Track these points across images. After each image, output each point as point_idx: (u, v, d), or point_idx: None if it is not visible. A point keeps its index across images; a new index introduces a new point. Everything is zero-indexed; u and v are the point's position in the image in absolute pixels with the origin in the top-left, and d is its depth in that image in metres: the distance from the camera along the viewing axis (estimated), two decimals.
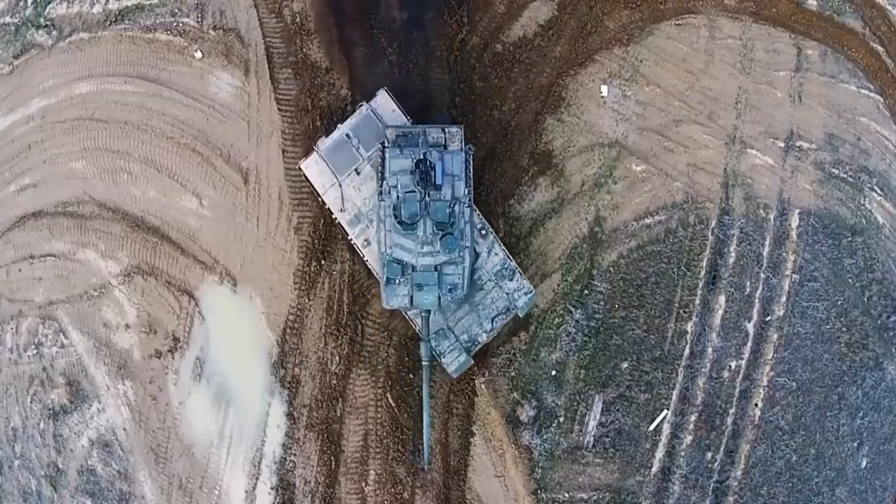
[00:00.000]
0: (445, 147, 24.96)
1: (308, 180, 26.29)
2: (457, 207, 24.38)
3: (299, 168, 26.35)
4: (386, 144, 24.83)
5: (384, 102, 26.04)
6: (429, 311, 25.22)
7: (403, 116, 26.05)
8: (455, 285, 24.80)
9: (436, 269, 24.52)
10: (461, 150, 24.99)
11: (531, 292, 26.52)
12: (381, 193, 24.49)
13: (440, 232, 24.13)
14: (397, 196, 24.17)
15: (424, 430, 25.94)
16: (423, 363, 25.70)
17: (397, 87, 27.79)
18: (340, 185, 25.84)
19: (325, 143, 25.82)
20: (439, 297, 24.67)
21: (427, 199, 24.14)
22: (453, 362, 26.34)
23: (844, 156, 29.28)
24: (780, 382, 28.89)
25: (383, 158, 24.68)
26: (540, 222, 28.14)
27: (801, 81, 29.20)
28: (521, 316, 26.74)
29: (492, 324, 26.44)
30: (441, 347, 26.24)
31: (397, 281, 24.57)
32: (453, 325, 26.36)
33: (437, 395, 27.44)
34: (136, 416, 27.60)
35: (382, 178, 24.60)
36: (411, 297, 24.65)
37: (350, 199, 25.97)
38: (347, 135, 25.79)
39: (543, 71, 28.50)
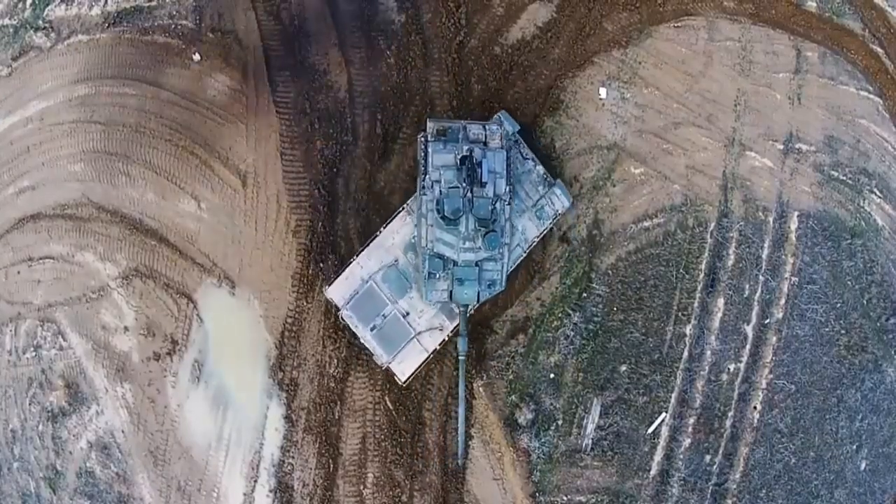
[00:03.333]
0: (485, 144, 25.05)
1: (415, 373, 26.68)
2: (498, 205, 24.56)
3: (404, 383, 26.69)
4: (428, 138, 24.89)
5: (338, 289, 26.11)
6: (467, 306, 25.51)
7: (356, 279, 26.03)
8: (494, 281, 25.16)
9: (476, 264, 24.70)
10: (502, 147, 25.09)
11: (512, 125, 26.40)
12: (422, 187, 24.58)
13: (482, 228, 24.26)
14: (440, 191, 24.25)
15: (460, 426, 26.16)
16: (460, 357, 25.96)
17: (395, 90, 27.86)
18: (418, 337, 26.38)
19: (382, 354, 26.15)
20: (478, 293, 24.90)
21: (470, 195, 24.21)
22: (557, 200, 26.59)
23: (844, 158, 29.22)
24: (779, 385, 28.86)
25: (425, 152, 24.73)
26: None
27: (801, 83, 29.14)
28: (513, 130, 26.35)
29: (534, 162, 26.63)
30: (546, 205, 26.48)
31: (438, 276, 24.71)
32: (538, 198, 26.59)
33: (436, 398, 27.46)
34: (135, 418, 27.60)
35: (424, 172, 24.63)
36: (451, 291, 24.92)
37: (434, 323, 26.44)
38: (373, 328, 26.05)
39: (542, 73, 28.45)
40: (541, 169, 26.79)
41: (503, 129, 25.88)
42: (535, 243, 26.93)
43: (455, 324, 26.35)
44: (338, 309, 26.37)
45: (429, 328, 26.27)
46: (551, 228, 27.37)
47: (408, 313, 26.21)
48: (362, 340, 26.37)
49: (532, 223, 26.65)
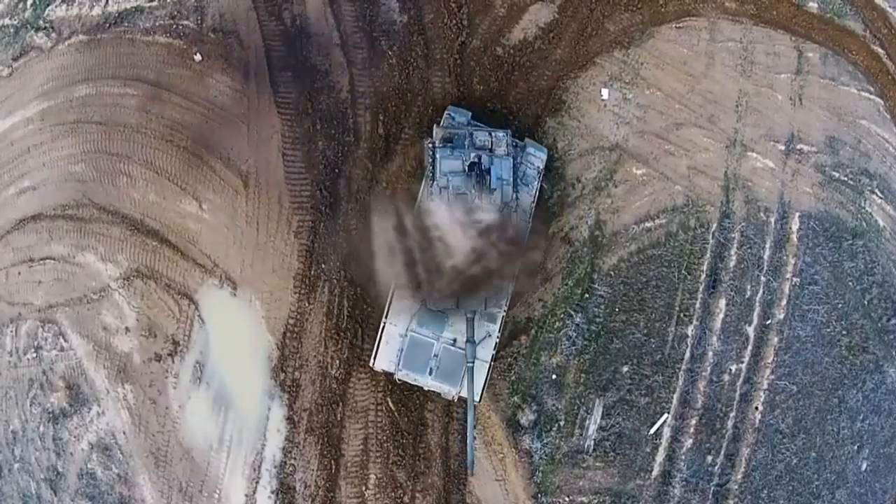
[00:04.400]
0: (491, 150, 25.00)
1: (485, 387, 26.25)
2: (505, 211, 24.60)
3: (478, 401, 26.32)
4: (435, 144, 24.85)
5: (384, 357, 25.69)
6: (474, 313, 25.33)
7: (395, 338, 25.55)
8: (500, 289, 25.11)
9: None
10: (508, 154, 25.06)
11: (464, 116, 26.56)
12: (430, 193, 24.58)
13: None
14: (448, 197, 24.21)
15: (468, 434, 25.93)
16: (468, 364, 25.63)
17: (397, 91, 27.81)
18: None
19: (450, 390, 25.71)
20: (486, 300, 24.88)
21: (478, 202, 24.19)
22: (534, 157, 26.40)
23: (845, 158, 29.26)
24: (781, 386, 28.87)
25: (433, 158, 24.64)
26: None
27: (802, 84, 29.18)
28: (466, 120, 26.43)
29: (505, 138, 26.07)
30: (527, 168, 26.27)
31: None
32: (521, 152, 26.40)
33: (438, 399, 27.40)
34: (136, 419, 27.52)
35: (432, 178, 24.60)
36: (457, 298, 24.85)
37: (481, 334, 25.92)
38: (430, 372, 25.58)
39: (544, 74, 28.45)
40: (507, 139, 26.56)
41: (499, 136, 25.63)
42: (533, 210, 26.57)
43: (497, 325, 26.12)
44: (391, 374, 25.97)
45: (479, 342, 25.91)
46: (549, 206, 27.34)
47: (455, 340, 25.75)
48: (426, 388, 26.05)
49: (524, 192, 26.35)
